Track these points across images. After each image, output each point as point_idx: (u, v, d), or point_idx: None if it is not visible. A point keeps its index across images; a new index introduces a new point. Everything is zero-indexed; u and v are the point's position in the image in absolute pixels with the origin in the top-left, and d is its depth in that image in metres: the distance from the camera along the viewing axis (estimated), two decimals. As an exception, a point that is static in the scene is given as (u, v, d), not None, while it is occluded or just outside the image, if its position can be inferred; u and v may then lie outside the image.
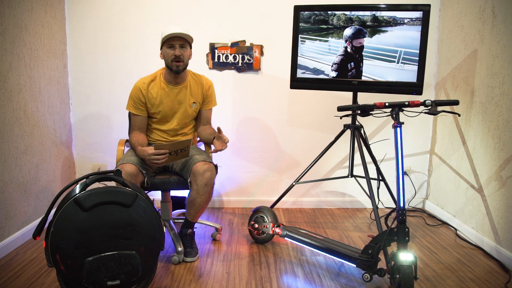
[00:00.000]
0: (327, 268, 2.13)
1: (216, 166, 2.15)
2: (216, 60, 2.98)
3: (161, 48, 2.20)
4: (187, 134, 2.37)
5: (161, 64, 2.37)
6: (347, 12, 2.37)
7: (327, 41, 2.42)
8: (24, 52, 2.35)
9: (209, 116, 2.42)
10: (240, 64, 2.98)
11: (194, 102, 2.30)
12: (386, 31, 2.34)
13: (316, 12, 2.41)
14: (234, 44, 2.96)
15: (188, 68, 2.37)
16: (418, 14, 2.28)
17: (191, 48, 2.24)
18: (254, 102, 3.05)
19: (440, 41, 2.97)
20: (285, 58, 2.93)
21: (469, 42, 2.58)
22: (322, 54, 2.44)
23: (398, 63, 2.33)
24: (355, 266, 1.91)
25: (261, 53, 2.98)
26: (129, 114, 2.31)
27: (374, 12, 2.33)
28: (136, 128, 2.27)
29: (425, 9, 2.26)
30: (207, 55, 2.98)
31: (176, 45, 2.13)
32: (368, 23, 2.34)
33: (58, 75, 2.78)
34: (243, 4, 2.93)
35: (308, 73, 2.47)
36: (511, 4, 2.20)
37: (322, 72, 2.45)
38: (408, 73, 2.33)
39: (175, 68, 2.16)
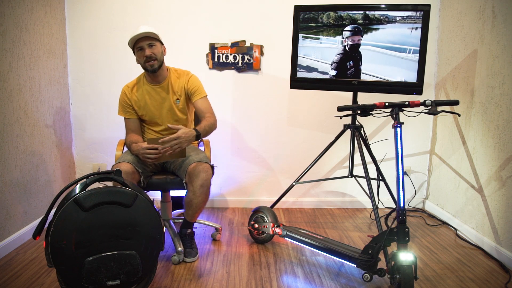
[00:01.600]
0: (327, 268, 2.12)
1: (212, 167, 2.14)
2: (216, 60, 2.98)
3: (134, 54, 2.21)
4: None
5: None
6: (340, 11, 2.37)
7: (318, 38, 2.42)
8: (24, 52, 2.35)
9: (203, 106, 2.23)
10: (240, 64, 2.98)
11: (177, 99, 2.27)
12: (378, 29, 2.34)
13: (307, 11, 2.41)
14: (234, 44, 2.96)
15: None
16: (410, 13, 2.28)
17: (162, 43, 2.23)
18: (254, 102, 3.05)
19: (440, 41, 2.97)
20: (285, 58, 2.93)
21: (469, 42, 2.58)
22: (315, 52, 2.44)
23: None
24: (355, 266, 1.91)
25: (261, 53, 2.98)
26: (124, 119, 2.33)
27: (365, 11, 2.33)
28: (130, 131, 2.30)
29: (425, 9, 2.26)
30: (207, 55, 2.98)
31: (144, 46, 2.13)
32: (359, 21, 2.34)
33: (58, 75, 2.78)
34: (243, 4, 2.93)
35: (302, 71, 2.47)
36: (511, 4, 2.20)
37: (316, 70, 2.45)
38: (407, 72, 2.33)
39: (150, 68, 2.16)
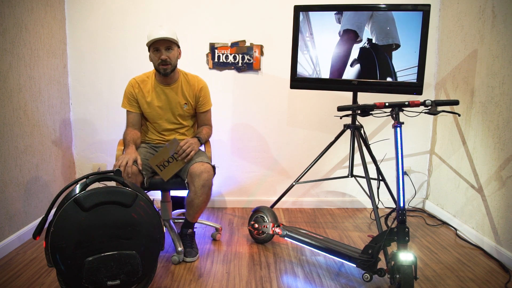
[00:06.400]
0: (327, 268, 2.13)
1: (213, 167, 2.15)
2: (216, 60, 2.98)
3: (148, 51, 2.19)
4: (185, 135, 2.36)
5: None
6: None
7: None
8: (24, 52, 2.35)
9: (205, 118, 2.39)
10: (240, 64, 2.98)
11: (185, 103, 2.29)
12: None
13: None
14: (234, 44, 2.96)
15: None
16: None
17: (179, 47, 2.21)
18: (254, 102, 3.05)
19: (440, 41, 2.97)
20: (285, 58, 2.93)
21: (469, 42, 2.58)
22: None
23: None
24: (355, 266, 1.91)
25: (261, 53, 2.98)
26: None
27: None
28: (130, 125, 2.28)
29: (425, 9, 2.26)
30: (207, 55, 2.98)
31: (161, 49, 2.11)
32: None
33: (58, 75, 2.78)
34: (243, 4, 2.93)
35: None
36: (511, 4, 2.20)
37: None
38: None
39: (163, 72, 2.16)
